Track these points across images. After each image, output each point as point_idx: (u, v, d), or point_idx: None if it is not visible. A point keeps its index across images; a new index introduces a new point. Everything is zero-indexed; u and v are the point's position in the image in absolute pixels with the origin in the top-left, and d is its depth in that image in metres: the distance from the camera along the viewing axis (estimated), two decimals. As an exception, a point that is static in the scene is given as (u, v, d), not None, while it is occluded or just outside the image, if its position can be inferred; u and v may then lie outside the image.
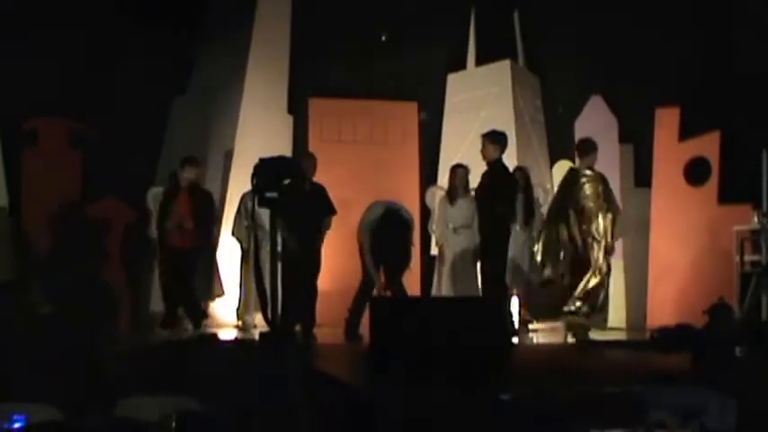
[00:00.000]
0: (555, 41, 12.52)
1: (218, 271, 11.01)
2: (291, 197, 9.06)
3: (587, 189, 9.48)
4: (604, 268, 9.39)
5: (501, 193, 9.25)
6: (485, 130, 9.58)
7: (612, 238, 9.49)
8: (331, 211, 9.64)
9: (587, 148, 9.70)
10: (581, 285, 9.33)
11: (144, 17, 11.52)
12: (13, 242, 11.17)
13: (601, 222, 9.37)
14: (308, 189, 9.46)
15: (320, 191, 9.63)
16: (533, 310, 10.61)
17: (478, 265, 10.13)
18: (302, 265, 9.21)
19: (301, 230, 9.24)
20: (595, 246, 9.34)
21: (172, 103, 12.42)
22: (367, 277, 9.39)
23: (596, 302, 9.36)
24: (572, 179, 9.64)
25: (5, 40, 10.90)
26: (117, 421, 4.68)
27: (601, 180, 9.57)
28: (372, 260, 9.36)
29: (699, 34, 12.02)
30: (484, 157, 9.38)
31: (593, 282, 9.34)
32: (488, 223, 9.27)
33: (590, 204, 9.43)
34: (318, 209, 9.55)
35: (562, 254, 9.48)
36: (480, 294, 9.76)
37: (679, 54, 11.94)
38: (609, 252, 9.42)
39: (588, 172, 9.57)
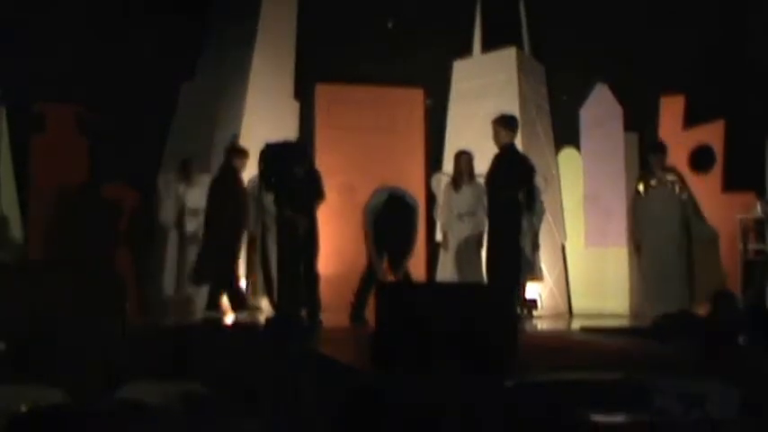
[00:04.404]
0: (561, 29, 12.50)
1: None
2: (288, 183, 9.11)
3: None
4: None
5: (514, 179, 9.25)
6: (490, 117, 9.57)
7: None
8: (319, 195, 9.54)
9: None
10: None
11: (153, 1, 11.55)
12: (21, 227, 11.23)
13: None
14: (302, 175, 9.43)
15: (314, 176, 9.58)
16: None
17: (482, 251, 10.17)
18: (302, 249, 9.23)
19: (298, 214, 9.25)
20: None
21: (180, 89, 12.44)
22: (371, 262, 9.44)
23: None
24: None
25: (13, 26, 10.92)
26: (123, 405, 4.71)
27: None
28: (375, 245, 9.39)
29: (704, 22, 12.02)
30: (496, 143, 9.38)
31: None
32: (498, 208, 9.26)
33: None
34: (312, 193, 9.52)
35: None
36: (484, 280, 9.78)
37: (684, 42, 11.94)
38: None
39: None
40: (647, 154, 10.28)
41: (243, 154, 10.11)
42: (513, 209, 9.18)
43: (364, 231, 9.44)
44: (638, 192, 10.13)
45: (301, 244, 9.18)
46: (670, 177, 9.98)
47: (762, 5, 11.96)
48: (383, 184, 9.87)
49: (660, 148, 10.20)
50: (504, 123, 9.34)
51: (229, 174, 9.98)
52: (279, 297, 9.40)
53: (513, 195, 9.12)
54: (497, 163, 9.33)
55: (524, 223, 10.26)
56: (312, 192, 9.39)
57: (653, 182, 10.04)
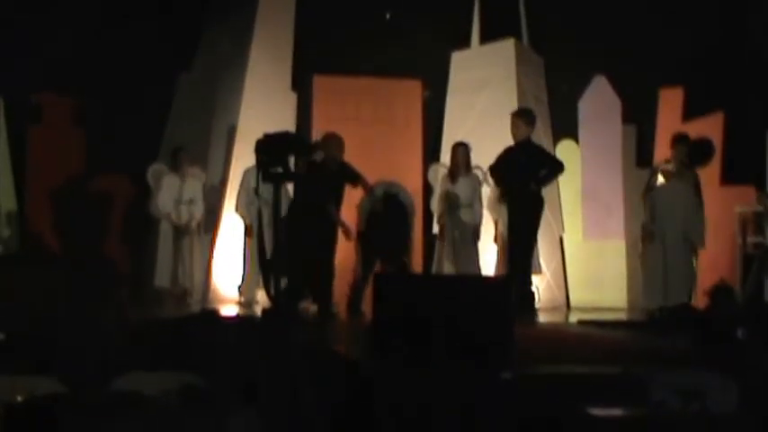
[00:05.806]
0: (559, 21, 12.47)
1: None
2: (318, 176, 9.02)
3: None
4: None
5: (539, 173, 9.24)
6: (488, 109, 9.58)
7: None
8: (361, 182, 9.31)
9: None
10: None
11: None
12: (18, 217, 11.23)
13: None
14: (335, 169, 9.30)
15: (347, 168, 9.43)
16: None
17: (479, 243, 10.18)
18: (319, 244, 9.19)
19: (323, 208, 9.15)
20: None
21: (177, 80, 12.41)
22: (367, 256, 9.45)
23: None
24: None
25: (11, 18, 10.90)
26: (119, 395, 4.70)
27: None
28: (368, 243, 9.39)
29: (703, 14, 11.99)
30: (514, 136, 9.36)
31: None
32: (520, 201, 9.25)
33: None
34: (342, 185, 9.38)
35: None
36: (481, 272, 9.81)
37: (683, 34, 11.92)
38: None
39: None
40: (671, 145, 9.87)
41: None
42: (536, 202, 9.20)
43: (357, 228, 9.47)
44: (654, 182, 9.80)
45: (300, 236, 9.15)
46: (689, 170, 9.74)
47: (762, 4, 11.94)
48: (380, 178, 9.86)
49: (684, 140, 9.88)
50: (525, 117, 9.35)
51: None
52: (276, 289, 9.37)
53: (534, 189, 9.14)
54: (517, 156, 9.28)
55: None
56: (339, 184, 9.25)
57: (671, 173, 9.68)
